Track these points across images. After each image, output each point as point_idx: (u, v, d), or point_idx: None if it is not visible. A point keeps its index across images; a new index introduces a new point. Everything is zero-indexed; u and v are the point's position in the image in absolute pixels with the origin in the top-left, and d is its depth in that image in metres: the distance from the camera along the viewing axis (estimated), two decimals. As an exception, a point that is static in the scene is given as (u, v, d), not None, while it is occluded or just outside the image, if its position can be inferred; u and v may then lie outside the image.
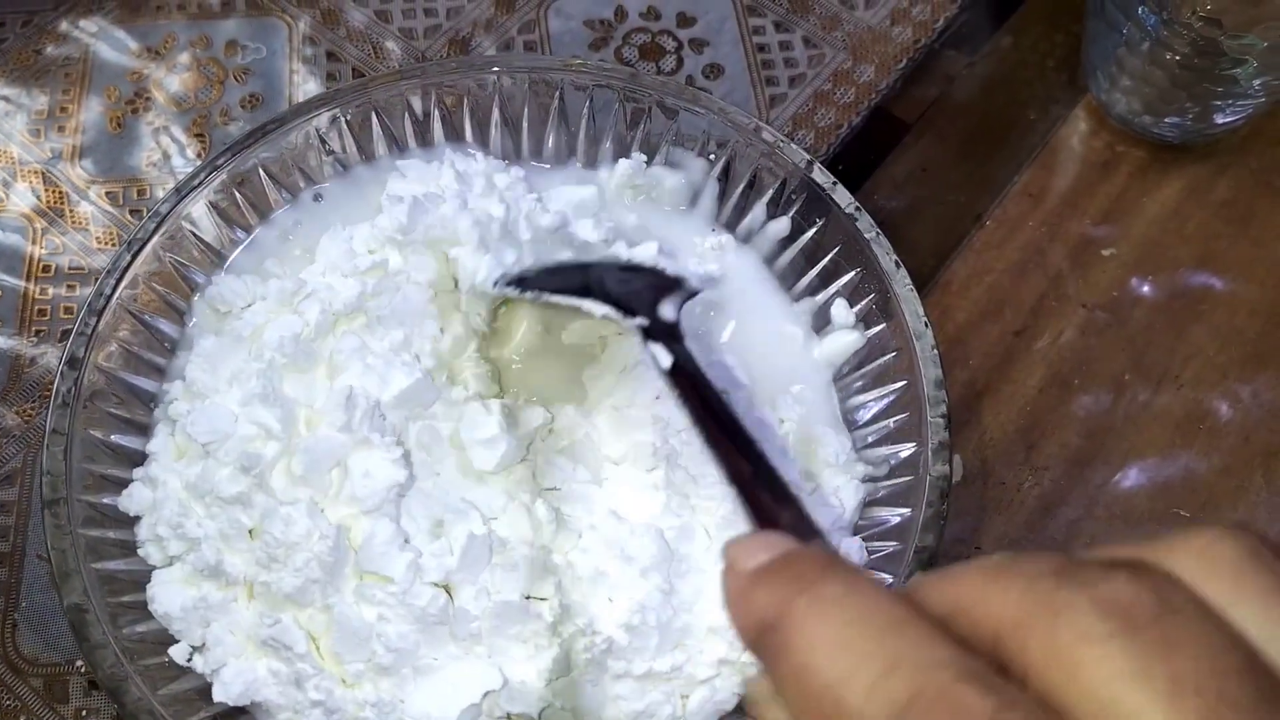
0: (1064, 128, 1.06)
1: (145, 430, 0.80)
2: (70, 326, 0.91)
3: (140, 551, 0.75)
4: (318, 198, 0.89)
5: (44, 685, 0.82)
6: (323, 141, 0.89)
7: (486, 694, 0.69)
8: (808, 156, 0.86)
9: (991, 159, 1.05)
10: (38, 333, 0.95)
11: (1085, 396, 0.94)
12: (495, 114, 0.92)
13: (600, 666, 0.71)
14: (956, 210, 1.02)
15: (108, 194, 1.01)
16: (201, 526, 0.72)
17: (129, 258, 0.81)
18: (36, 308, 0.96)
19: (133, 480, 0.77)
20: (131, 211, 1.00)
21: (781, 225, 0.88)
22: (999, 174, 1.04)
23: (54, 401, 0.75)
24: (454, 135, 0.93)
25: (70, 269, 0.98)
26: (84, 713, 0.81)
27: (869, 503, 0.80)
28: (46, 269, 0.97)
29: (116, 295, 0.80)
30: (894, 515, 0.77)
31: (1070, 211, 1.02)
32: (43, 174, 1.02)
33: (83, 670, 0.82)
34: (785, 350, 0.86)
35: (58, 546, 0.71)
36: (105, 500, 0.76)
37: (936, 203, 1.03)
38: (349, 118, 0.89)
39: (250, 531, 0.72)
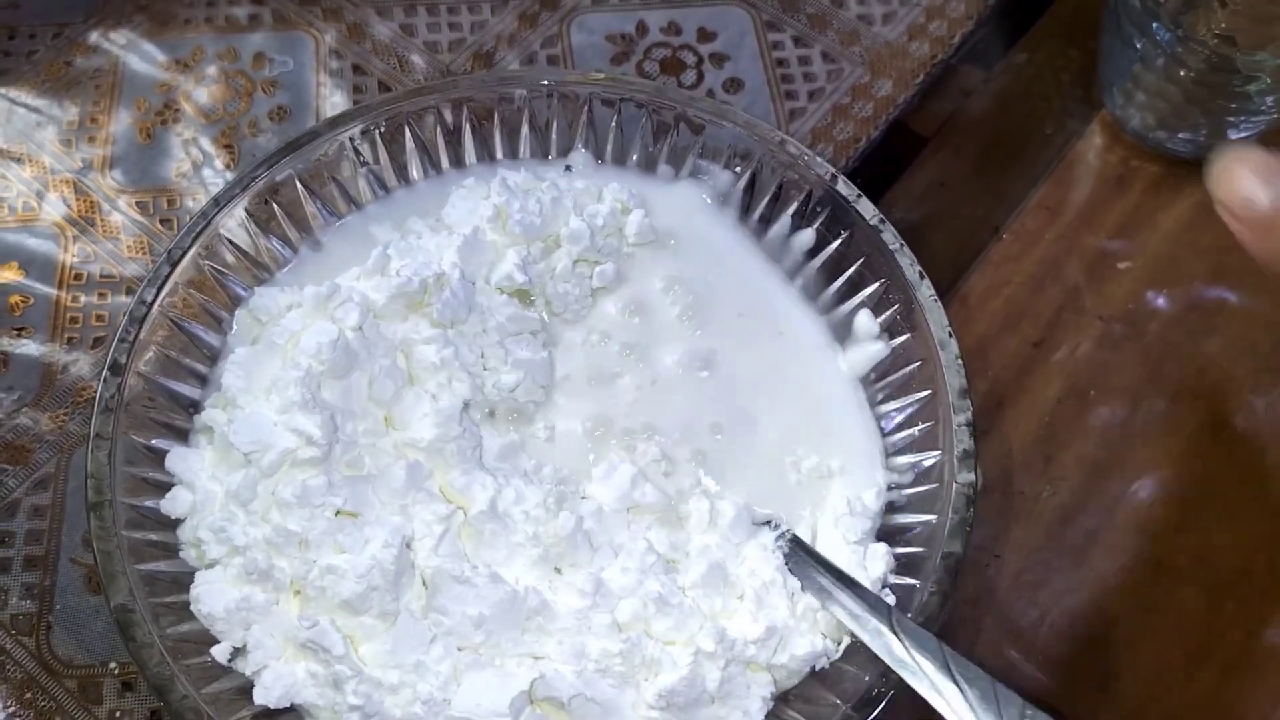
0: (1079, 143, 1.08)
1: (186, 436, 0.82)
2: (102, 334, 0.94)
3: (182, 554, 0.77)
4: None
5: (78, 686, 0.83)
6: (356, 153, 0.90)
7: (534, 681, 0.71)
8: (832, 169, 0.87)
9: (1008, 173, 1.07)
10: (69, 340, 0.96)
11: (1102, 408, 0.95)
12: (524, 128, 0.94)
13: (623, 679, 0.73)
14: (974, 224, 1.04)
15: (138, 203, 1.03)
16: (246, 534, 0.74)
17: (169, 268, 0.82)
18: (68, 315, 0.97)
19: (174, 484, 0.78)
20: (161, 221, 1.02)
21: (806, 237, 0.90)
22: (1016, 188, 1.05)
23: (97, 406, 0.77)
24: (484, 148, 0.95)
25: (101, 277, 0.99)
26: (117, 714, 0.82)
27: (894, 509, 0.81)
28: (78, 277, 0.99)
29: (157, 303, 0.81)
30: (919, 522, 0.78)
31: (1086, 226, 1.03)
32: (74, 184, 1.03)
33: (115, 672, 0.84)
34: (813, 362, 0.88)
35: (103, 549, 0.72)
36: (147, 503, 0.77)
37: (954, 216, 1.04)
38: (381, 130, 0.90)
39: (300, 543, 0.74)
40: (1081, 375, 0.97)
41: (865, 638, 0.71)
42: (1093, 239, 1.03)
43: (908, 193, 1.06)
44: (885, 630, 0.70)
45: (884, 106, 1.11)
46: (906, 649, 0.69)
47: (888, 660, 0.69)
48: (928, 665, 0.67)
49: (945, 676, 0.66)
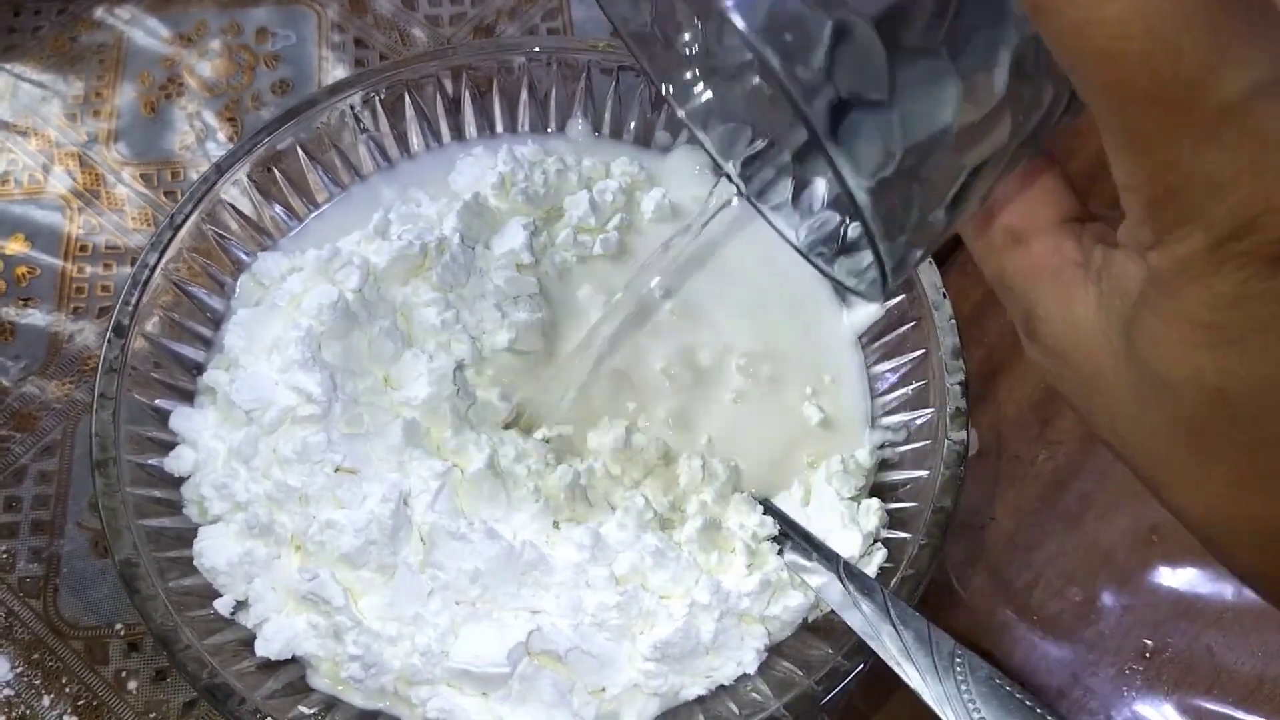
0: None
1: (190, 397, 0.84)
2: (107, 304, 0.96)
3: (185, 510, 0.79)
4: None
5: (84, 647, 0.85)
6: (357, 120, 0.92)
7: (530, 633, 0.73)
8: None
9: None
10: (75, 310, 0.98)
11: None
12: (524, 95, 0.95)
13: (619, 632, 0.74)
14: None
15: (142, 176, 1.05)
16: (248, 490, 0.76)
17: (171, 232, 0.84)
18: (74, 285, 0.99)
19: (177, 443, 0.80)
20: (165, 193, 1.04)
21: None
22: None
23: (101, 367, 0.79)
24: (484, 117, 0.96)
25: (106, 248, 1.01)
26: (123, 674, 0.85)
27: (887, 466, 0.83)
28: (83, 248, 1.01)
29: (160, 267, 0.83)
30: (911, 478, 0.80)
31: (1085, 193, 1.03)
32: (79, 157, 1.05)
33: (121, 633, 0.86)
34: (815, 317, 0.90)
35: (108, 505, 0.74)
36: (151, 461, 0.79)
37: None
38: (382, 97, 0.92)
39: (300, 498, 0.76)
40: (1078, 342, 0.97)
41: (814, 583, 0.74)
42: (1093, 207, 1.03)
43: (906, 164, 1.06)
44: (833, 578, 0.73)
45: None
46: (850, 593, 0.71)
47: (832, 605, 0.72)
48: (868, 609, 0.70)
49: (883, 619, 0.69)
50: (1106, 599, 0.88)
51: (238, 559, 0.75)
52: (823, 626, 0.76)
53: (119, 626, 0.86)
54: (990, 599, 0.88)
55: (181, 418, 0.81)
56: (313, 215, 0.93)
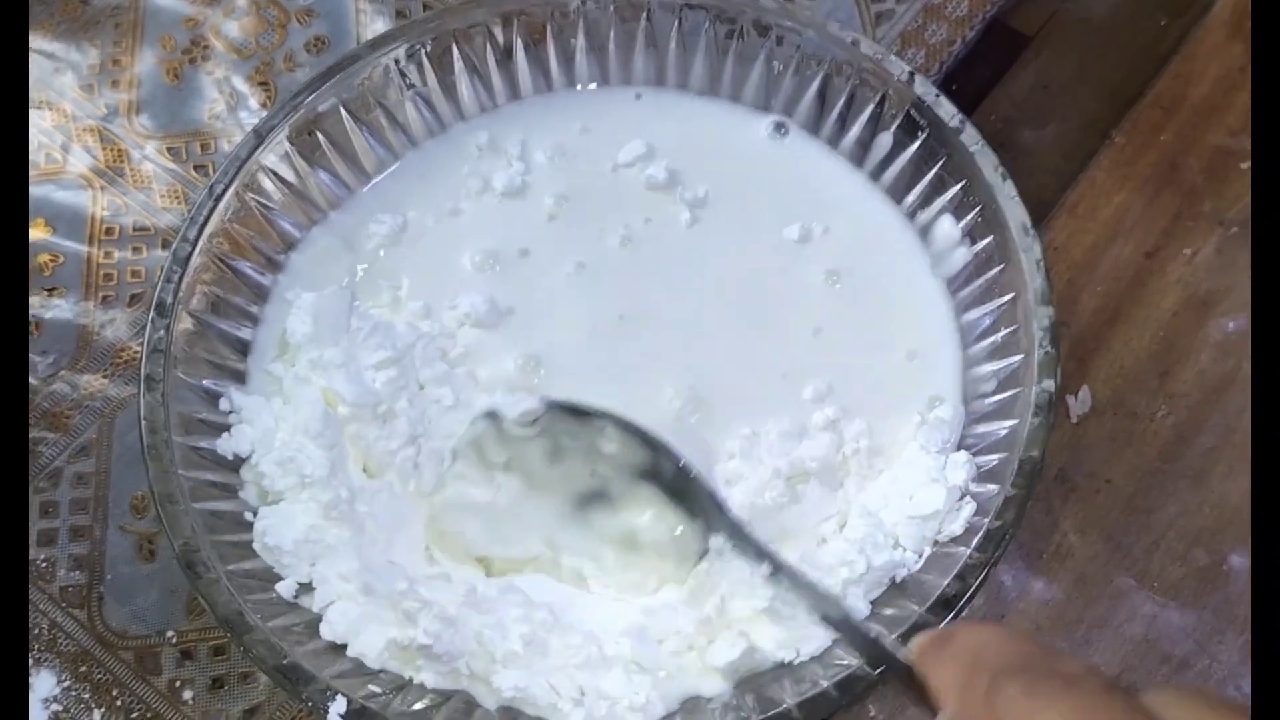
0: (1198, 32, 1.17)
1: (240, 376, 0.95)
2: (139, 290, 1.06)
3: (242, 494, 0.90)
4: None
5: (134, 658, 0.96)
6: (402, 75, 1.01)
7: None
8: (909, 69, 0.97)
9: (1120, 71, 1.16)
10: (105, 298, 1.08)
11: (1222, 318, 1.05)
12: (581, 40, 1.04)
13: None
14: (1082, 127, 1.14)
15: (169, 149, 1.14)
16: (318, 464, 0.88)
17: (211, 203, 0.94)
18: (102, 272, 1.09)
19: (228, 424, 0.91)
20: (196, 167, 1.13)
21: (883, 141, 1.00)
22: (1128, 86, 1.15)
23: (146, 348, 0.88)
24: (539, 66, 1.05)
25: (135, 230, 1.11)
26: (177, 683, 0.95)
27: (977, 418, 0.93)
28: (110, 231, 1.11)
29: (201, 241, 0.93)
30: (1001, 429, 0.89)
31: (1205, 122, 1.13)
32: (99, 132, 1.15)
33: (174, 641, 0.96)
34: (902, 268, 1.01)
35: (163, 490, 0.85)
36: (203, 444, 0.90)
37: (1060, 121, 1.14)
38: (428, 50, 1.01)
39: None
40: (1200, 284, 1.07)
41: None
42: (1213, 137, 1.12)
43: (1008, 98, 1.16)
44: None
45: (981, 4, 1.19)
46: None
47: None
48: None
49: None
50: (1235, 561, 0.97)
51: (303, 536, 0.86)
52: (911, 585, 0.87)
53: (170, 634, 0.97)
54: (1106, 565, 0.97)
55: (239, 397, 0.92)
56: (366, 187, 1.04)
